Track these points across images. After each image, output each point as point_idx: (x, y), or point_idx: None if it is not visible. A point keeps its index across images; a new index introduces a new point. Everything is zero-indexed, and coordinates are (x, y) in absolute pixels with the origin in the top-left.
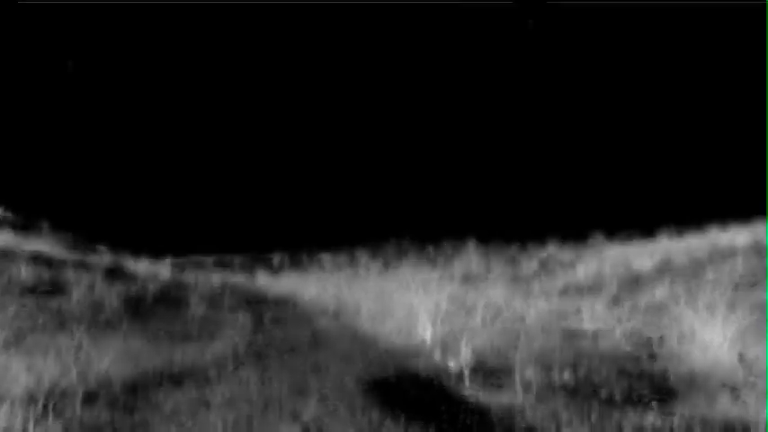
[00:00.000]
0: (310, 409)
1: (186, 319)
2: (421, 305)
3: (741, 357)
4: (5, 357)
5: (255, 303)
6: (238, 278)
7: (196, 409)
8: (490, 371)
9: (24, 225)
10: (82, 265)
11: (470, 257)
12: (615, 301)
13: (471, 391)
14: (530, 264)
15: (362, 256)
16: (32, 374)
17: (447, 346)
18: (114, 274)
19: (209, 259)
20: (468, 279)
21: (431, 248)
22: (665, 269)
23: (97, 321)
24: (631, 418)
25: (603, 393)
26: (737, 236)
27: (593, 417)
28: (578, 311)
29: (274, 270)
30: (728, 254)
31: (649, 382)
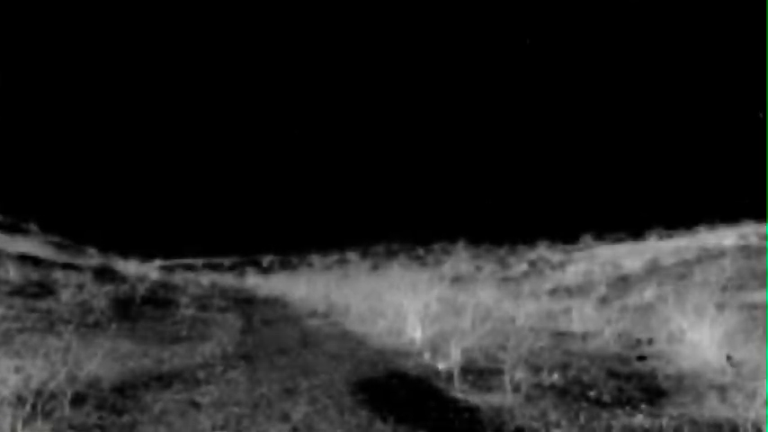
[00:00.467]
0: (299, 410)
1: (175, 321)
2: (410, 306)
3: (729, 358)
4: None
5: (245, 304)
6: (228, 279)
7: (185, 410)
8: (480, 371)
9: (12, 226)
10: (71, 267)
11: (460, 258)
12: (604, 301)
13: (461, 391)
14: (519, 265)
15: (352, 257)
16: (21, 376)
17: (437, 346)
18: (103, 275)
19: (199, 261)
20: (457, 280)
21: (421, 249)
22: (653, 270)
23: (86, 322)
24: (620, 418)
25: (592, 394)
26: (725, 237)
27: (583, 417)
28: (567, 312)
29: (264, 271)
30: (717, 255)
31: (638, 383)
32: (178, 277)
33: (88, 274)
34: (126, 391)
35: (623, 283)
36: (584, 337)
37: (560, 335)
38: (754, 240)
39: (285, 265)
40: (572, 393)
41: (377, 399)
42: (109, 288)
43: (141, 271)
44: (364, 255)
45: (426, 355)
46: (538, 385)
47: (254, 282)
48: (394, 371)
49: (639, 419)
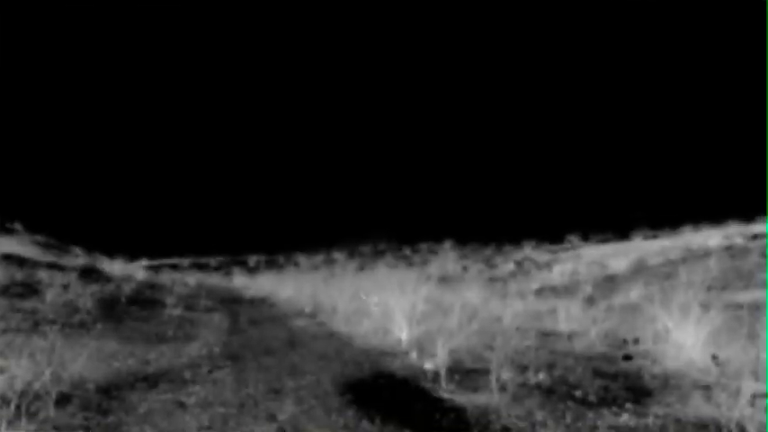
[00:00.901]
0: (286, 410)
1: (161, 321)
2: (397, 306)
3: (714, 358)
4: None
5: (231, 304)
6: (214, 279)
7: (171, 411)
8: (466, 371)
9: None
10: (56, 266)
11: (447, 258)
12: (590, 301)
13: (447, 391)
14: (506, 264)
15: (339, 257)
16: (4, 376)
17: (423, 346)
18: (89, 275)
19: (186, 260)
20: (444, 280)
21: (407, 249)
22: (639, 270)
23: (71, 322)
24: (606, 418)
25: (578, 393)
26: (710, 238)
27: (569, 417)
28: (554, 312)
29: (250, 271)
30: (702, 255)
31: (624, 383)
32: (164, 277)
33: (73, 274)
34: (111, 392)
35: (609, 282)
36: (571, 336)
37: (546, 335)
38: (738, 240)
39: (272, 265)
40: (558, 393)
41: (363, 399)
42: (94, 288)
43: (127, 271)
44: (351, 254)
45: (413, 355)
46: (524, 385)
47: (240, 282)
48: (380, 371)
49: (625, 419)
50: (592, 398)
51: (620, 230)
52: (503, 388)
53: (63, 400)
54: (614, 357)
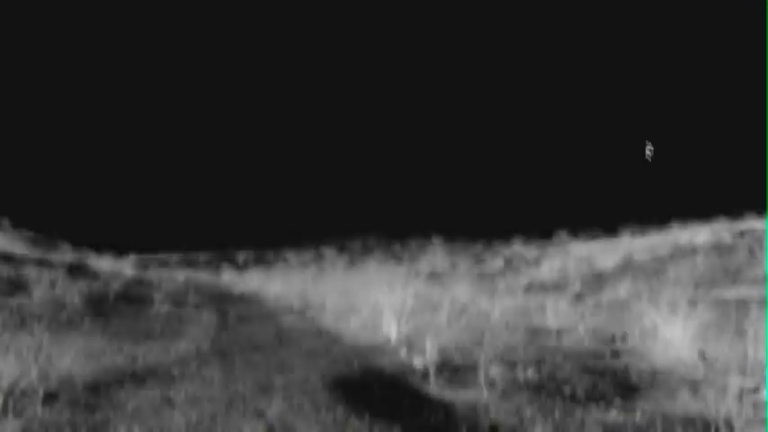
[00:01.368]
0: (275, 407)
1: (150, 318)
2: (386, 303)
3: (702, 354)
4: None
5: (220, 301)
6: (203, 275)
7: (159, 408)
8: (455, 368)
9: None
10: (43, 263)
11: (436, 254)
12: (579, 298)
13: (436, 388)
14: (495, 261)
15: (328, 253)
16: None
17: (412, 343)
18: (76, 271)
19: (174, 256)
20: (433, 276)
21: (396, 245)
22: (627, 267)
23: (59, 320)
24: (594, 413)
25: (567, 390)
26: (698, 234)
27: (557, 413)
28: (542, 309)
29: (239, 267)
30: (689, 252)
31: (612, 379)
32: (152, 273)
33: (61, 271)
34: (99, 389)
35: (597, 279)
36: (559, 333)
37: (535, 331)
38: (726, 237)
39: (260, 261)
40: (547, 389)
41: (352, 396)
42: (82, 284)
43: (115, 267)
44: (340, 250)
45: (402, 352)
46: (513, 381)
47: (229, 278)
48: (369, 368)
49: (613, 415)
50: (580, 394)
51: (608, 227)
52: (491, 384)
53: (50, 398)
54: (602, 354)
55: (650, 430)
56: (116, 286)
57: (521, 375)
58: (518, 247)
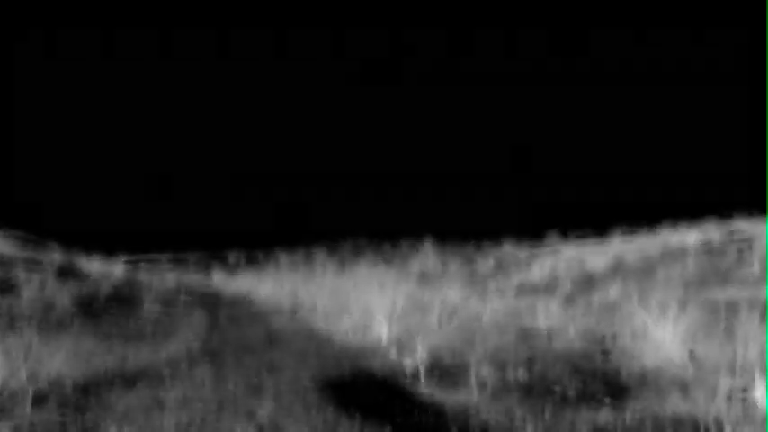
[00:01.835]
0: (265, 408)
1: (140, 319)
2: (377, 304)
3: (691, 355)
4: None
5: (211, 302)
6: (194, 277)
7: (150, 409)
8: (446, 370)
9: None
10: (33, 264)
11: (427, 256)
12: (569, 299)
13: (427, 389)
14: (486, 263)
15: (319, 255)
16: None
17: (403, 344)
18: (66, 272)
19: (164, 257)
20: (424, 278)
21: (387, 247)
22: (617, 268)
23: (48, 321)
24: (585, 414)
25: (557, 390)
26: (688, 236)
27: (548, 413)
28: (533, 310)
29: (230, 268)
30: (679, 253)
31: (602, 380)
32: (143, 275)
33: (51, 272)
34: (89, 390)
35: (588, 280)
36: (550, 334)
37: (526, 332)
38: (716, 239)
39: (251, 262)
40: (537, 390)
41: (343, 396)
42: (72, 286)
43: (105, 268)
44: (331, 252)
45: (392, 353)
46: (503, 383)
47: (219, 279)
48: (360, 369)
49: (603, 415)
50: (571, 395)
51: (598, 229)
52: (482, 385)
53: (40, 399)
54: (593, 354)
55: (640, 430)
56: (106, 287)
57: (511, 376)
58: (509, 249)
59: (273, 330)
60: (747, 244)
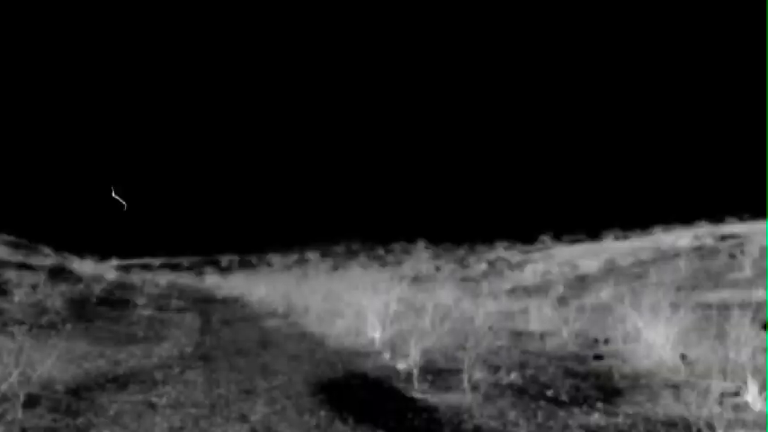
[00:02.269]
0: (258, 411)
1: (132, 321)
2: (370, 306)
3: (683, 357)
4: None
5: (203, 304)
6: (186, 279)
7: (141, 412)
8: (439, 371)
9: None
10: (24, 266)
11: (420, 258)
12: (562, 301)
13: (420, 391)
14: (478, 264)
15: (312, 257)
16: None
17: (396, 346)
18: (58, 274)
19: (157, 260)
20: (417, 279)
21: (381, 249)
22: (610, 270)
23: (40, 323)
24: (577, 417)
25: (550, 393)
26: (680, 238)
27: (540, 416)
28: (526, 312)
29: (223, 271)
30: (672, 255)
31: (595, 382)
32: (135, 277)
33: (42, 274)
34: (81, 393)
35: (580, 282)
36: (542, 336)
37: (519, 334)
38: (708, 241)
39: (244, 265)
40: (530, 392)
41: (336, 399)
42: (64, 288)
43: (97, 271)
44: (324, 254)
45: (386, 356)
46: (496, 384)
47: (212, 281)
48: (353, 371)
49: (596, 418)
50: (563, 397)
51: (591, 231)
52: (475, 388)
53: (31, 402)
54: (585, 357)
55: None
56: (98, 290)
57: (504, 378)
58: (502, 251)
59: (266, 333)
60: (740, 246)
